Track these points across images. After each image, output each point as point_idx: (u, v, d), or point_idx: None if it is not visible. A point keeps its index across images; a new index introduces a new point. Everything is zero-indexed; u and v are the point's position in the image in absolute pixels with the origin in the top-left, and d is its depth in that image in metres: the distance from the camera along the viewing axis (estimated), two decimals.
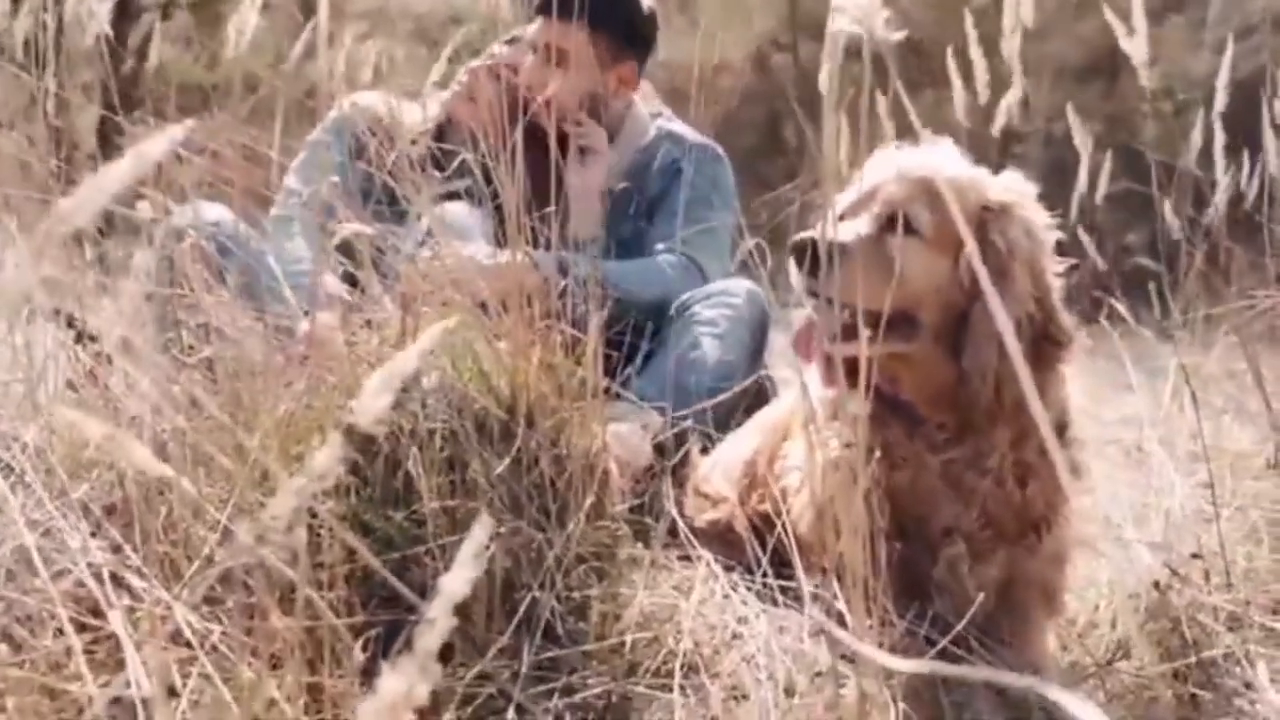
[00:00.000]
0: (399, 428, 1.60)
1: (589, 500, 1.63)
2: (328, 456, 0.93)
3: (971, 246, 1.56)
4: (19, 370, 2.13)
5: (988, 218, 1.59)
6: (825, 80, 1.22)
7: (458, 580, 0.87)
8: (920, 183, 1.60)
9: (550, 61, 2.70)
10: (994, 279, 1.53)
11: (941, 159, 1.65)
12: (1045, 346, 1.60)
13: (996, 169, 1.72)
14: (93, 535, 1.55)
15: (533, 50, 2.76)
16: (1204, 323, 3.42)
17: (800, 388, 1.77)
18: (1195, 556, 1.98)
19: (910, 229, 1.60)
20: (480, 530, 0.85)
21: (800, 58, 13.54)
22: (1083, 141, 3.33)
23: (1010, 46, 2.67)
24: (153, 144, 1.00)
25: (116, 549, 1.48)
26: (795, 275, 1.61)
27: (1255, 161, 3.55)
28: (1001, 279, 1.56)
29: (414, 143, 2.94)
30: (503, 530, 1.49)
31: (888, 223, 1.61)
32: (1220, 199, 3.64)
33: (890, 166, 1.62)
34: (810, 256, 1.56)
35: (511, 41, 2.89)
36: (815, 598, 1.45)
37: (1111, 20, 2.85)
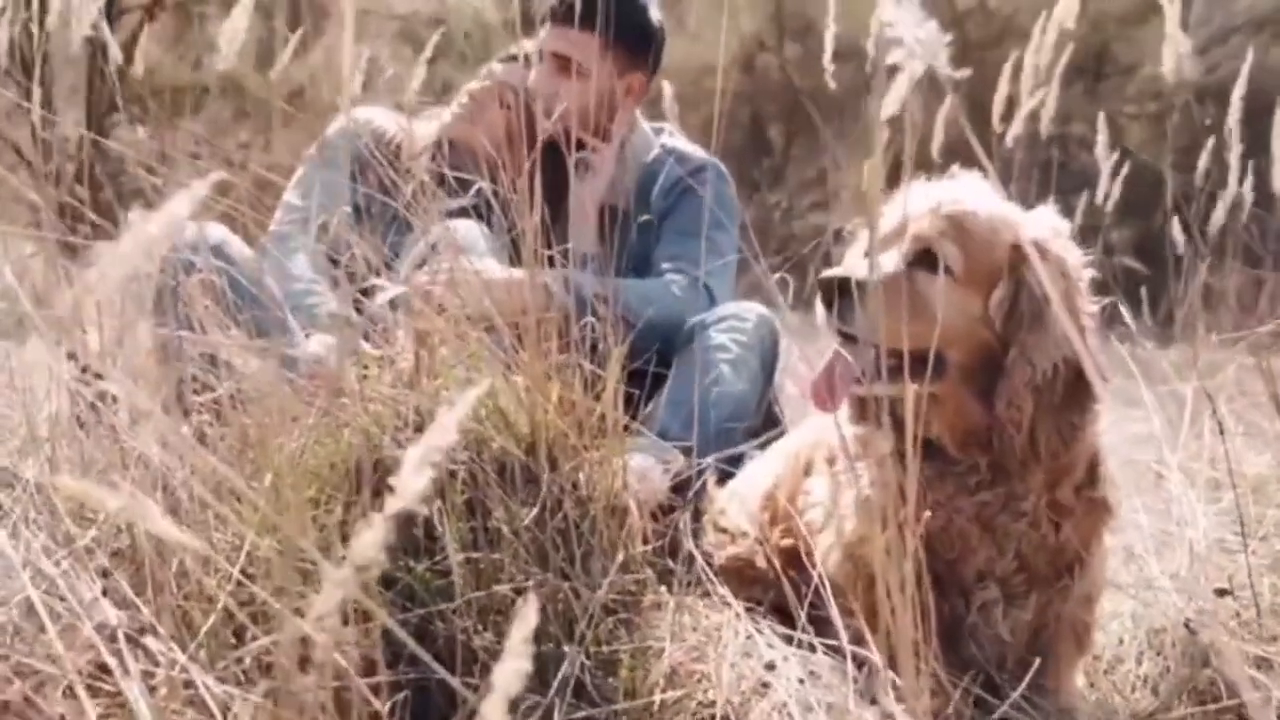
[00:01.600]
0: None
1: (612, 544, 1.58)
2: (371, 543, 0.88)
3: (1001, 291, 1.55)
4: (16, 400, 2.08)
5: (1022, 258, 1.55)
6: (875, 112, 1.16)
7: (510, 674, 0.83)
8: (951, 219, 1.56)
9: (561, 70, 2.65)
10: (1029, 322, 1.49)
11: (974, 194, 1.61)
12: (1080, 389, 1.55)
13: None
14: (103, 578, 1.51)
15: (540, 58, 2.72)
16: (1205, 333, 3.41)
17: (827, 423, 1.75)
18: (1222, 593, 1.94)
19: (940, 267, 1.55)
20: (523, 626, 0.81)
21: (785, 59, 13.52)
22: (1105, 153, 3.29)
23: (1043, 55, 2.62)
24: (179, 203, 0.95)
25: (126, 602, 1.43)
26: (821, 313, 1.56)
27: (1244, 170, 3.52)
28: (1037, 323, 1.52)
29: (414, 158, 2.90)
30: (529, 584, 1.44)
31: (917, 259, 1.56)
32: (1220, 212, 3.63)
33: (921, 201, 1.57)
34: (839, 293, 1.51)
35: (510, 59, 2.84)
36: (858, 662, 1.41)
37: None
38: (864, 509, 1.63)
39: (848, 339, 1.55)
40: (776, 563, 1.83)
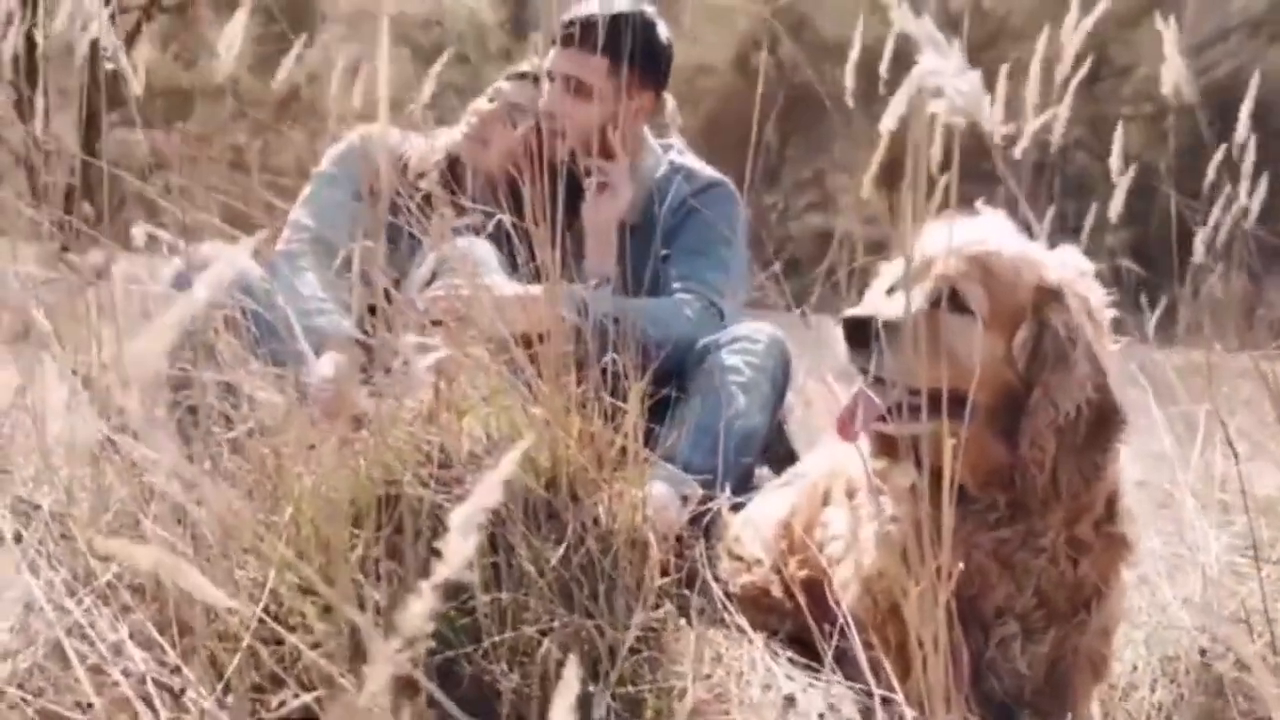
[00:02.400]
0: (438, 505, 1.56)
1: (636, 579, 1.58)
2: (419, 615, 0.88)
3: (1024, 332, 1.56)
4: (26, 419, 2.06)
5: (1045, 299, 1.56)
6: (915, 159, 1.16)
7: None
8: (975, 259, 1.56)
9: (570, 92, 2.65)
10: (1053, 363, 1.50)
11: (997, 234, 1.61)
12: (1102, 429, 1.56)
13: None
14: (125, 614, 1.50)
15: (550, 79, 2.71)
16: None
17: (845, 452, 1.75)
18: (1238, 621, 1.95)
19: (964, 307, 1.56)
20: (566, 693, 0.81)
21: (781, 59, 13.49)
22: (1119, 166, 3.30)
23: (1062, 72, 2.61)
24: (221, 270, 0.95)
25: (151, 642, 1.42)
26: (844, 351, 1.56)
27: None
28: (1060, 364, 1.53)
29: (422, 176, 2.90)
30: (555, 625, 1.45)
31: (940, 300, 1.56)
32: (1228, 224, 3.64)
33: (943, 240, 1.57)
34: (862, 333, 1.52)
35: (518, 77, 2.84)
36: (885, 702, 1.41)
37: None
38: (884, 543, 1.64)
39: (870, 377, 1.55)
40: (794, 593, 1.83)
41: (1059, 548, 1.63)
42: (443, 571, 0.89)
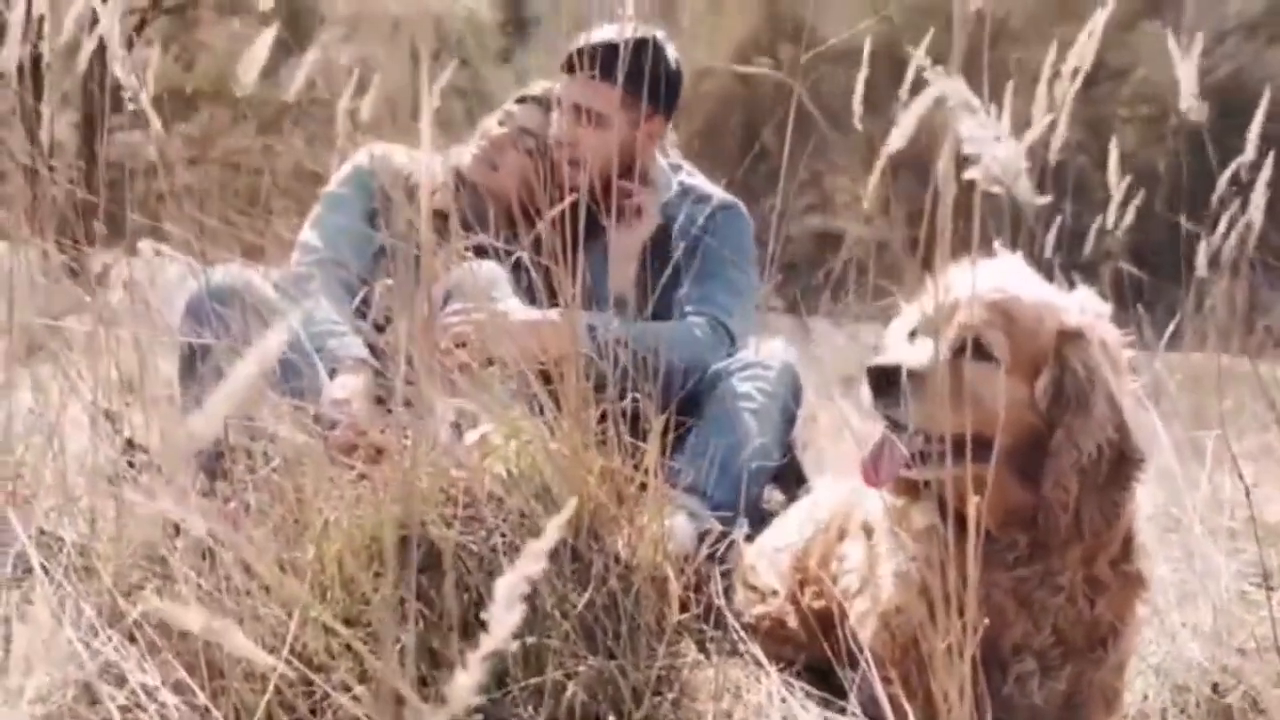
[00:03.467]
0: (464, 547, 1.57)
1: (657, 618, 1.60)
2: (466, 687, 0.89)
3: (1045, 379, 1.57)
4: (49, 450, 2.07)
5: (1066, 343, 1.57)
6: (943, 219, 1.17)
7: None
8: (997, 307, 1.57)
9: (582, 120, 2.66)
10: (1074, 405, 1.52)
11: (1016, 279, 1.62)
12: (1122, 468, 1.58)
13: None
14: (153, 654, 1.52)
15: (559, 105, 2.72)
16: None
17: (860, 486, 1.77)
18: (1245, 654, 1.97)
19: (988, 354, 1.57)
20: None
21: (781, 62, 13.50)
22: (1117, 183, 3.33)
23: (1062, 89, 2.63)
24: (272, 342, 0.96)
25: (180, 684, 1.44)
26: (868, 399, 1.57)
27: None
28: (1082, 405, 1.55)
29: (431, 196, 2.91)
30: (580, 669, 1.46)
31: (963, 348, 1.58)
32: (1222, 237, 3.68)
33: (963, 287, 1.59)
34: (889, 381, 1.53)
35: (524, 100, 2.84)
36: None
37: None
38: (903, 581, 1.66)
39: (895, 424, 1.57)
40: (811, 625, 1.85)
41: (1077, 586, 1.65)
42: (488, 645, 0.91)
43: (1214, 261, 3.76)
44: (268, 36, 2.22)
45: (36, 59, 2.42)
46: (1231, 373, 3.45)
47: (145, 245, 2.36)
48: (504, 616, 0.92)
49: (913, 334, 1.65)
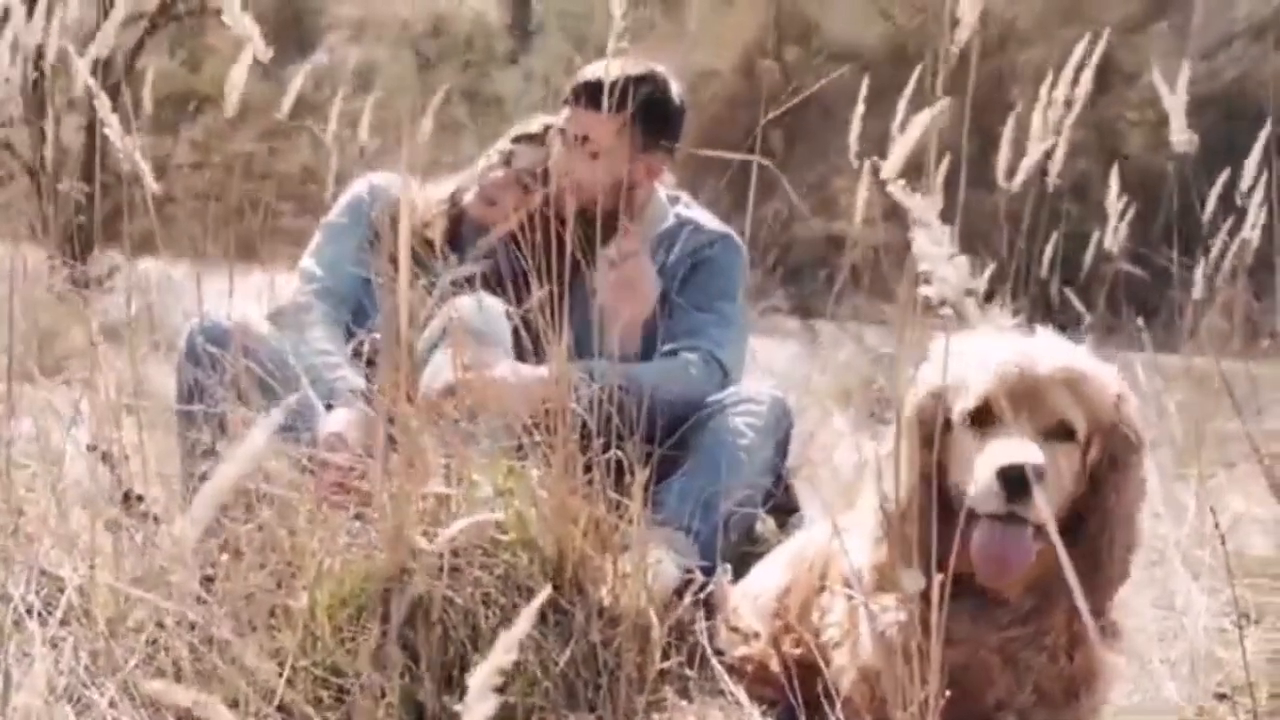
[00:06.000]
0: (449, 600, 1.61)
1: (639, 667, 1.64)
2: None
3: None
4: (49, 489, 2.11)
5: (1118, 408, 1.64)
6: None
7: None
8: (1072, 386, 1.61)
9: (581, 151, 2.69)
10: (1122, 466, 1.63)
11: (1070, 352, 1.66)
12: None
13: None
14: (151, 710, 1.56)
15: (560, 136, 2.75)
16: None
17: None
18: (1221, 697, 2.01)
19: (1070, 434, 1.61)
20: None
21: (786, 64, 13.54)
22: (1113, 202, 3.37)
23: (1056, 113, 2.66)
24: (260, 434, 0.99)
25: None
26: (997, 498, 1.55)
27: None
28: (1130, 465, 1.64)
29: (427, 226, 2.95)
30: None
31: (1050, 432, 1.60)
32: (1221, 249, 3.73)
33: (1035, 364, 1.60)
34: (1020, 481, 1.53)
35: (527, 138, 2.87)
36: None
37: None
38: (881, 645, 1.68)
39: (1015, 519, 1.57)
40: (790, 670, 1.89)
41: (1060, 644, 1.69)
42: None
43: (1212, 275, 3.81)
44: (246, 57, 2.23)
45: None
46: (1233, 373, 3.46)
47: (150, 266, 2.39)
48: (478, 707, 0.96)
49: (979, 412, 1.62)
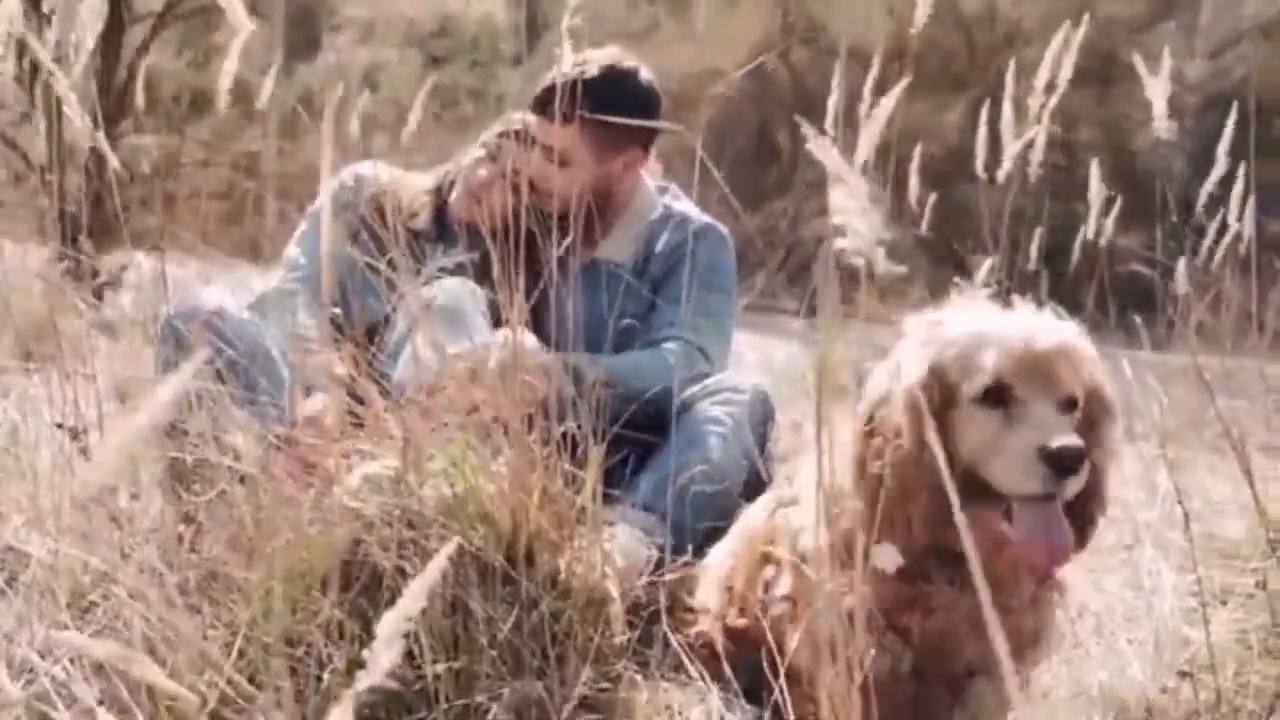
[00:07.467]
0: (401, 570, 1.63)
1: (589, 640, 1.65)
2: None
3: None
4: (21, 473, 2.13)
5: (1092, 374, 1.66)
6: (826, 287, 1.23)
7: None
8: (1067, 356, 1.62)
9: (549, 159, 2.69)
10: (1103, 423, 1.66)
11: (1059, 325, 1.66)
12: None
13: None
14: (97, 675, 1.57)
15: (517, 138, 2.75)
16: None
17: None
18: (1184, 675, 2.01)
19: (1074, 405, 1.62)
20: None
21: (793, 63, 13.54)
22: (1096, 194, 3.37)
23: (1039, 100, 2.68)
24: (184, 376, 1.01)
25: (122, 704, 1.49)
26: (1042, 480, 1.55)
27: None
28: (1108, 417, 1.67)
29: (413, 217, 2.96)
30: (505, 692, 1.52)
31: (1063, 403, 1.61)
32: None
33: (1037, 339, 1.61)
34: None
35: (505, 135, 2.87)
36: None
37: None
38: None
39: (1050, 499, 1.58)
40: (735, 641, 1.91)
41: (1024, 605, 1.70)
42: (364, 680, 0.95)
43: (1203, 270, 3.80)
44: (236, 47, 2.25)
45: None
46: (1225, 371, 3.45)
47: (147, 261, 2.41)
48: (383, 656, 0.97)
49: (991, 390, 1.61)
